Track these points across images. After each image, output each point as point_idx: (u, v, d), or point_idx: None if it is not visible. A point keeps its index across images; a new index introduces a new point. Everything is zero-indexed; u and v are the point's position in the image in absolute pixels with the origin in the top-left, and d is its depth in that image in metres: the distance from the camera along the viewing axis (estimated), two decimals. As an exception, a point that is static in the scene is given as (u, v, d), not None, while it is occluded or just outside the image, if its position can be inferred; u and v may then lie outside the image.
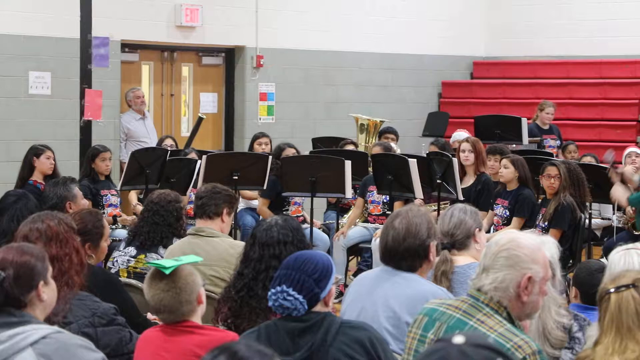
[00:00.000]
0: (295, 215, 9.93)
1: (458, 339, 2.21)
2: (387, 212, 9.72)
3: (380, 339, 3.90)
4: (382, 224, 9.64)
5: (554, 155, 11.61)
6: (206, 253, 5.73)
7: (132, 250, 6.39)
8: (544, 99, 13.58)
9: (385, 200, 9.93)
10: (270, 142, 11.30)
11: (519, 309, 3.59)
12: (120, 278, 5.99)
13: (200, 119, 11.90)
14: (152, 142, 12.02)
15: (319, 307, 3.83)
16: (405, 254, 4.44)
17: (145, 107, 12.77)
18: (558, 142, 12.90)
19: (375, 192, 9.90)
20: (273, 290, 3.81)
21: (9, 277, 3.37)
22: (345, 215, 10.38)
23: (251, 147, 11.27)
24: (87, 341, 3.46)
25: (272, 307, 3.85)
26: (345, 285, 9.38)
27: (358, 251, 10.18)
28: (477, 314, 3.58)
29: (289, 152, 10.10)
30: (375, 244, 9.50)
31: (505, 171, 9.12)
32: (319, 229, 10.09)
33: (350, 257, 10.21)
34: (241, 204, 10.48)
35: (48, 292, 3.48)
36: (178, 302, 4.16)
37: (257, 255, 4.66)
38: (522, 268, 3.57)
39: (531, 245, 3.63)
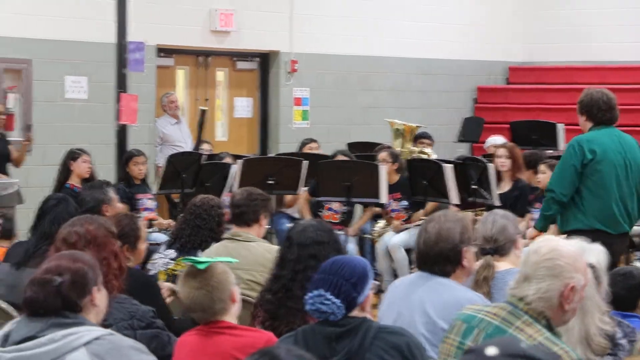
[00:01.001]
0: (327, 221, 9.94)
1: (491, 351, 2.17)
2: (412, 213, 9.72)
3: (418, 344, 3.88)
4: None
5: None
6: (242, 257, 5.74)
7: (172, 253, 6.41)
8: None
9: (404, 206, 9.88)
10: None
11: (559, 317, 3.57)
12: (158, 280, 6.01)
13: (203, 111, 11.92)
14: (188, 147, 12.06)
15: (356, 312, 3.82)
16: (436, 258, 4.43)
17: (179, 112, 12.81)
18: None
19: (392, 201, 9.86)
20: (310, 295, 3.80)
21: (65, 282, 3.44)
22: (379, 221, 10.36)
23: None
24: (140, 344, 3.51)
25: (309, 312, 3.84)
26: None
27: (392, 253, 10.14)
28: (516, 322, 3.55)
29: (339, 158, 10.08)
30: (392, 244, 9.54)
31: (542, 177, 9.03)
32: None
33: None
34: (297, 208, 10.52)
35: (100, 297, 3.56)
36: (211, 300, 4.16)
37: (294, 256, 4.67)
38: (565, 278, 3.54)
39: (572, 254, 3.60)
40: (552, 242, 3.64)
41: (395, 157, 10.12)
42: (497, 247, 4.93)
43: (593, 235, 6.58)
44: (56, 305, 3.42)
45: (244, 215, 5.96)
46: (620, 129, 14.59)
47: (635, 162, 7.19)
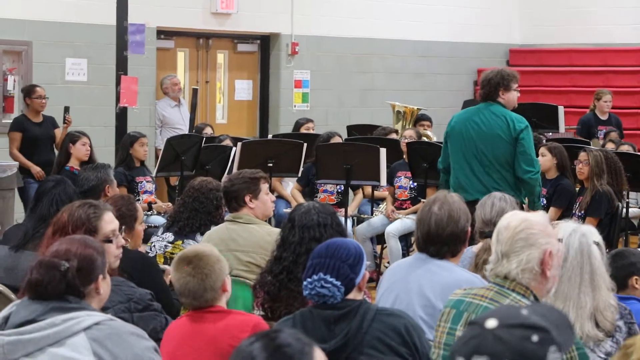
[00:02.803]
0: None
1: (491, 323, 2.18)
2: (418, 198, 9.72)
3: (416, 326, 3.90)
4: (406, 209, 9.72)
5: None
6: (243, 239, 5.74)
7: (169, 236, 6.41)
8: (598, 89, 13.40)
9: (412, 186, 9.91)
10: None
11: (543, 286, 3.62)
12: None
13: (195, 91, 11.93)
14: (187, 129, 12.06)
15: (353, 294, 3.83)
16: (448, 239, 4.44)
17: (181, 94, 12.80)
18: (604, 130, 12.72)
19: (403, 177, 9.89)
20: (309, 280, 3.80)
21: (72, 268, 3.42)
22: (380, 205, 10.36)
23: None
24: (140, 329, 3.50)
25: (307, 297, 3.84)
26: (380, 273, 9.37)
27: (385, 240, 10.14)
28: (504, 301, 3.59)
29: (335, 140, 10.08)
30: (387, 232, 9.56)
31: (542, 159, 9.01)
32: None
33: (384, 245, 10.19)
34: (276, 193, 10.49)
35: (104, 286, 3.54)
36: (202, 288, 4.16)
37: (297, 239, 4.66)
38: (542, 245, 3.60)
39: (541, 220, 3.67)
40: (519, 215, 3.70)
41: (420, 136, 10.21)
42: (496, 231, 4.95)
43: None
44: (59, 289, 3.40)
45: (229, 202, 5.96)
46: (621, 111, 14.67)
47: (494, 135, 7.48)
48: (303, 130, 11.24)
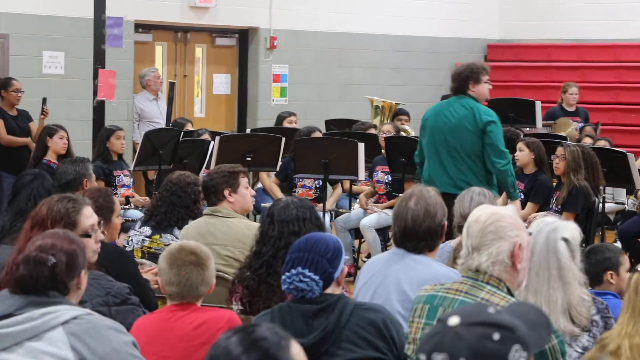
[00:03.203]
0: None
1: (453, 320, 2.15)
2: (393, 193, 9.74)
3: (394, 320, 3.91)
4: (382, 203, 9.73)
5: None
6: (222, 233, 5.74)
7: (147, 230, 6.39)
8: (565, 82, 13.48)
9: (387, 181, 9.94)
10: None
11: (514, 279, 3.62)
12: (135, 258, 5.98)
13: (172, 85, 11.91)
14: (165, 123, 12.03)
15: (332, 288, 3.83)
16: (425, 235, 4.45)
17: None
18: (581, 124, 12.79)
19: (380, 172, 9.93)
20: (288, 274, 3.80)
21: (60, 263, 3.41)
22: (358, 199, 10.37)
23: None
24: (118, 324, 3.49)
25: (286, 291, 3.84)
26: (358, 267, 9.39)
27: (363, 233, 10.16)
28: (480, 294, 3.59)
29: (316, 135, 10.08)
30: (362, 224, 9.58)
31: (520, 154, 9.06)
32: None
33: (363, 240, 10.21)
34: (259, 185, 10.48)
35: (84, 281, 3.54)
36: (201, 280, 4.15)
37: (276, 233, 4.66)
38: (512, 237, 3.60)
39: (510, 213, 3.67)
40: (489, 209, 3.70)
41: (398, 131, 10.27)
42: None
43: None
44: (47, 285, 3.40)
45: (208, 197, 5.96)
46: (597, 107, 14.70)
47: (462, 127, 7.60)
48: (286, 124, 11.23)
